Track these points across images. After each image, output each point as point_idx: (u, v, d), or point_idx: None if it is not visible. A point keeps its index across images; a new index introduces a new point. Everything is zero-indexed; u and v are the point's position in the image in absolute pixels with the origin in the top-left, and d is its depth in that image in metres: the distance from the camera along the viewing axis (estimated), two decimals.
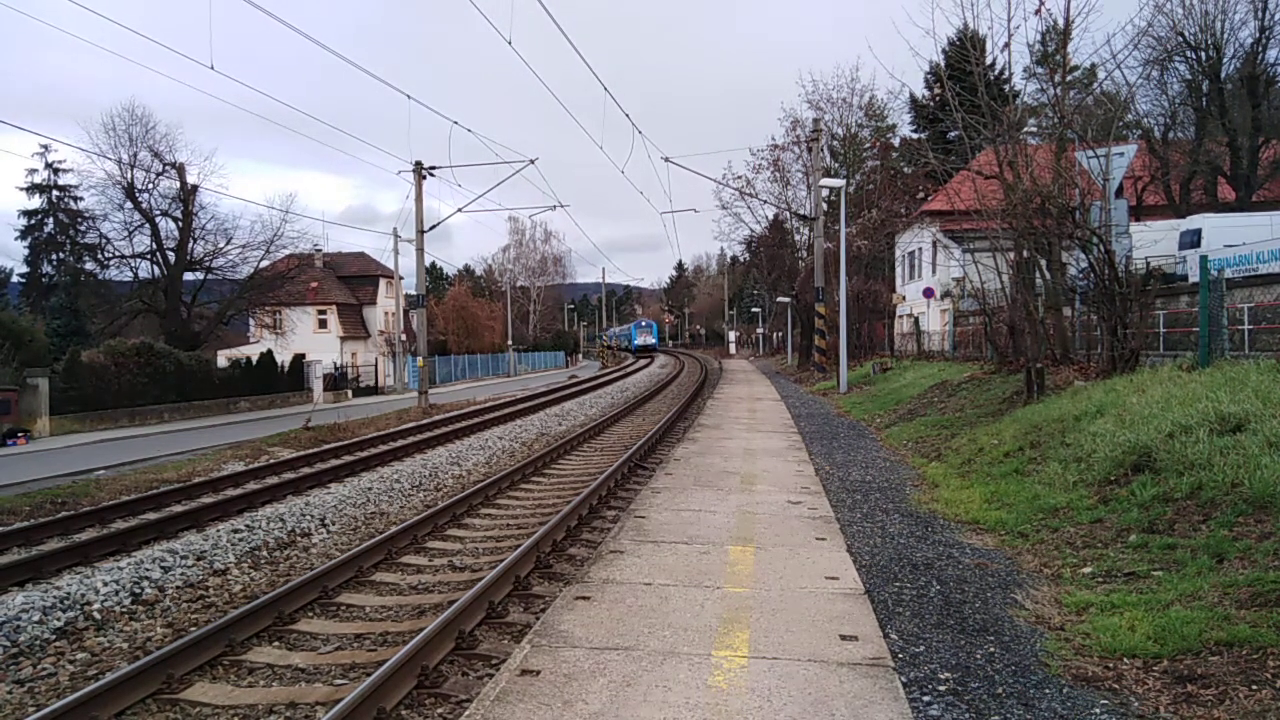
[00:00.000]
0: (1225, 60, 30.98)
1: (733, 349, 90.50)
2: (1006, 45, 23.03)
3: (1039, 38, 22.82)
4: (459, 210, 65.93)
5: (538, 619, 5.68)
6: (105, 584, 7.49)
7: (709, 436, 15.03)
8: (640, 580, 6.20)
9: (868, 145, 48.39)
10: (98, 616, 6.94)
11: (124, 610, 7.15)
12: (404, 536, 9.07)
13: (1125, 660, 4.63)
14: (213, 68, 16.08)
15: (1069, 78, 21.68)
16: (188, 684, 5.54)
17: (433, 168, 29.31)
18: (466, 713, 4.15)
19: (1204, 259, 12.81)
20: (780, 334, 68.74)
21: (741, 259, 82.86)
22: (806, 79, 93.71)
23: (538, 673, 4.51)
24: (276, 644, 6.29)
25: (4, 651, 6.14)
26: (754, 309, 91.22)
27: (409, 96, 21.92)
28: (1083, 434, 9.44)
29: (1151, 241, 22.80)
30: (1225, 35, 30.37)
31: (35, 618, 6.67)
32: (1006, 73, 23.30)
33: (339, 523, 10.42)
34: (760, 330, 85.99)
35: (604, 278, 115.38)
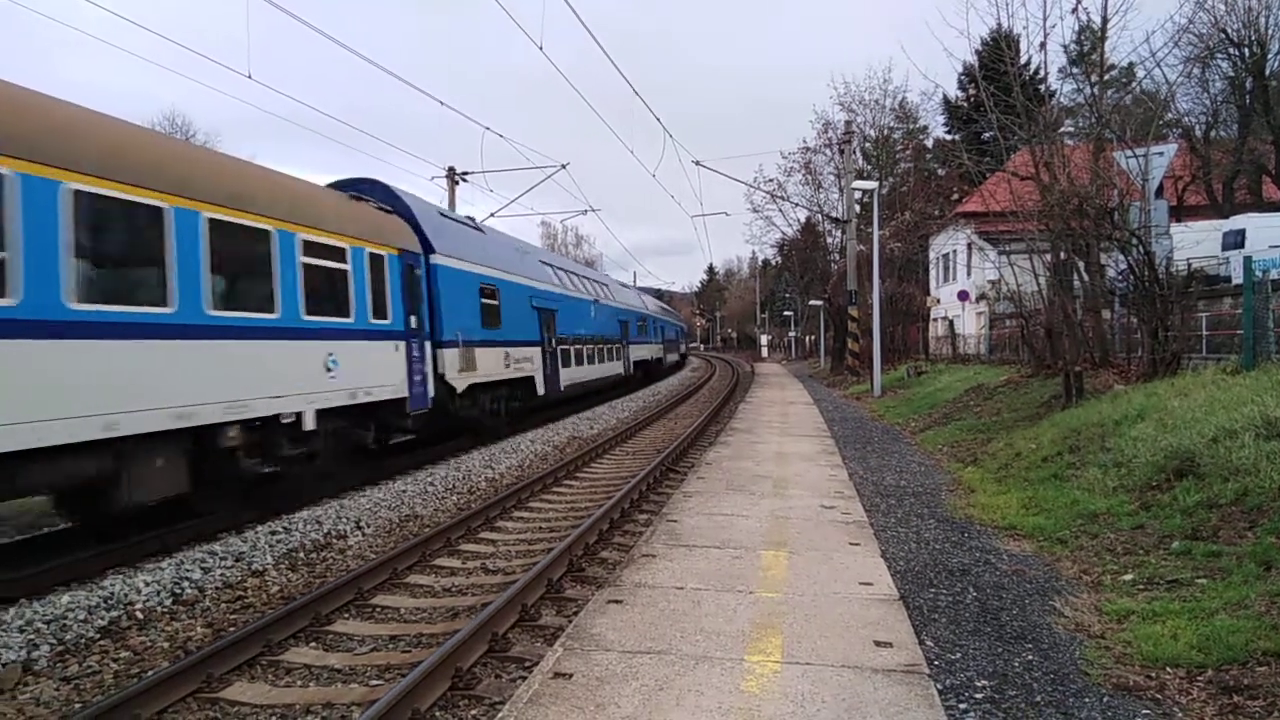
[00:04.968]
0: (1270, 56, 30.20)
1: (765, 352, 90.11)
2: (1042, 45, 22.68)
3: (1075, 37, 22.50)
4: (491, 215, 65.75)
5: (570, 622, 5.70)
6: (147, 584, 7.64)
7: (741, 440, 14.98)
8: (673, 584, 6.20)
9: (900, 147, 47.97)
10: (140, 616, 7.08)
11: (165, 610, 7.28)
12: (438, 539, 9.14)
13: (1168, 669, 4.54)
14: (250, 76, 16.48)
15: (1106, 77, 21.31)
16: (227, 683, 5.63)
17: (465, 173, 29.62)
18: (500, 714, 4.17)
19: (1248, 260, 12.52)
20: (813, 337, 68.31)
21: (773, 262, 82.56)
22: (838, 81, 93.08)
23: (570, 675, 4.52)
24: (313, 645, 6.37)
25: (51, 650, 6.30)
26: (786, 312, 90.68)
27: (442, 103, 22.13)
28: (1123, 438, 9.27)
29: (1193, 242, 22.32)
30: (1270, 30, 29.61)
31: (81, 616, 6.83)
32: (1042, 72, 22.98)
33: (374, 525, 10.53)
34: (793, 334, 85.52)
35: (635, 281, 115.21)
